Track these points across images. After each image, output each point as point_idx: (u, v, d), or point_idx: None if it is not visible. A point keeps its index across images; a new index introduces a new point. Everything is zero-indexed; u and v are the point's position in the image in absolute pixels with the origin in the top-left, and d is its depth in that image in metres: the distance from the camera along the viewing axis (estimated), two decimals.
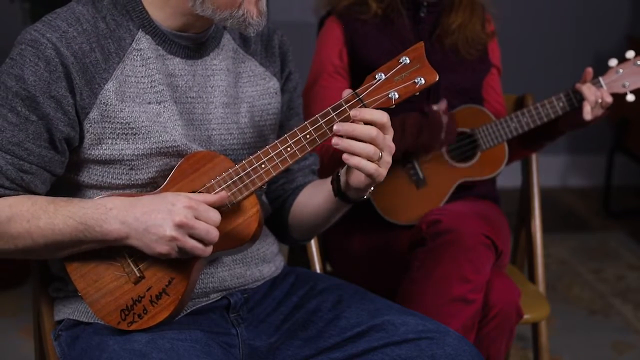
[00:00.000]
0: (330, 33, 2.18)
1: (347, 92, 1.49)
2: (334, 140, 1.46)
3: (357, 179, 1.51)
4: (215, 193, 1.49)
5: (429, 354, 1.52)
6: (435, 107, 2.06)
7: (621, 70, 2.07)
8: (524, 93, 2.34)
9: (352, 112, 1.46)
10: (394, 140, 2.03)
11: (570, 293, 3.31)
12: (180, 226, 1.41)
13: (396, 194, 2.13)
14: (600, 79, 2.07)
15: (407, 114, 2.07)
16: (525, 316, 2.04)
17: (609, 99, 2.04)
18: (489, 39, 2.22)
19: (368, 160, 1.45)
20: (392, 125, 2.02)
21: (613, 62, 2.09)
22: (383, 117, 1.46)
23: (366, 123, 1.45)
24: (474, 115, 2.16)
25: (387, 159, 1.49)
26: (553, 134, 2.19)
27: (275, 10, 4.01)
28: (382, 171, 1.48)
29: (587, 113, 2.03)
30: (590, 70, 2.06)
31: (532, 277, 2.30)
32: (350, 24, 2.16)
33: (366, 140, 1.45)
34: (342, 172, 1.57)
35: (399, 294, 1.97)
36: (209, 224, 1.43)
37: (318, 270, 2.09)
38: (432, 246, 1.96)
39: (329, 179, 1.61)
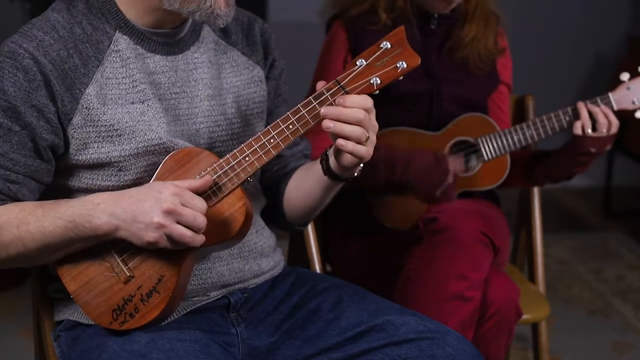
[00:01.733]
0: (336, 39, 2.17)
1: (322, 84, 1.49)
2: (325, 123, 1.46)
3: (347, 160, 1.52)
4: (200, 177, 1.49)
5: (429, 354, 1.52)
6: (451, 164, 2.05)
7: (632, 87, 2.03)
8: (524, 93, 2.34)
9: (337, 101, 1.46)
10: (397, 173, 2.03)
11: (570, 293, 3.32)
12: (167, 212, 1.42)
13: (395, 200, 2.12)
14: (610, 94, 2.03)
15: (420, 152, 2.06)
16: (525, 316, 2.03)
17: (602, 119, 2.00)
18: (499, 55, 2.19)
19: (358, 142, 1.47)
20: (399, 157, 2.02)
21: (625, 76, 2.05)
22: (367, 101, 1.47)
23: None
24: (478, 124, 2.13)
25: (373, 138, 1.50)
26: (556, 173, 2.16)
27: (275, 10, 4.02)
28: (370, 150, 1.50)
29: (577, 128, 2.02)
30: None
31: (532, 277, 2.30)
32: (357, 33, 2.14)
33: (354, 122, 1.46)
34: (330, 151, 1.57)
35: (396, 292, 1.97)
36: (195, 210, 1.43)
37: (318, 270, 2.09)
38: (429, 244, 1.96)
39: (318, 160, 1.62)
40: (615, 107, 2.04)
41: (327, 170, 1.58)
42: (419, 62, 1.47)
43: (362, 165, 1.56)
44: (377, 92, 1.48)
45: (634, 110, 2.05)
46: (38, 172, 1.51)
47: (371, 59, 1.47)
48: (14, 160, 1.48)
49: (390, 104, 2.08)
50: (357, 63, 1.48)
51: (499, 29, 2.19)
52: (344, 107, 1.46)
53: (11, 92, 1.47)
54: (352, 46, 2.14)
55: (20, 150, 1.49)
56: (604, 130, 2.02)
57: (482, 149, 2.11)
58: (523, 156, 2.20)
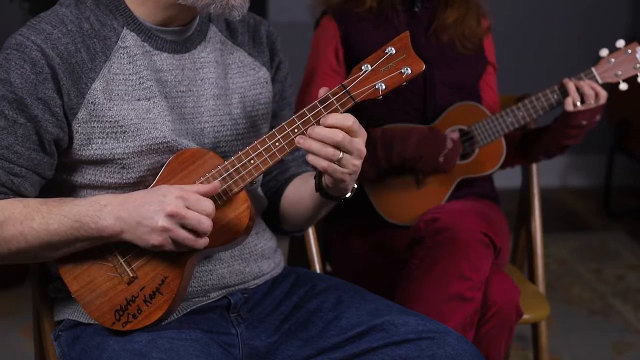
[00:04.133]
0: (326, 31, 2.18)
1: (324, 90, 1.49)
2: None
3: (327, 179, 1.52)
4: (209, 183, 1.49)
5: (429, 354, 1.52)
6: (449, 133, 2.05)
7: (613, 60, 2.09)
8: (523, 93, 2.34)
9: (321, 121, 1.46)
10: (396, 149, 2.04)
11: (570, 293, 3.31)
12: (171, 216, 1.42)
13: (396, 194, 2.13)
14: (593, 69, 2.08)
15: (416, 128, 2.07)
16: (525, 316, 2.03)
17: (589, 91, 2.04)
18: (484, 35, 2.22)
19: (326, 159, 1.45)
20: (395, 134, 2.03)
21: (604, 52, 2.10)
22: (347, 120, 1.45)
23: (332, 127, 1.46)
24: (470, 112, 2.16)
25: (354, 161, 1.48)
26: (550, 148, 2.18)
27: (275, 10, 4.02)
28: (339, 170, 1.47)
29: (569, 104, 2.05)
30: None
31: (532, 277, 2.30)
32: (345, 21, 2.16)
33: (330, 143, 1.45)
34: None
35: (397, 293, 1.97)
36: (202, 213, 1.43)
37: (318, 270, 2.09)
38: (430, 244, 1.96)
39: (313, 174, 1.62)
40: (600, 81, 2.09)
41: (318, 186, 1.58)
42: (423, 68, 1.48)
43: (355, 186, 1.55)
44: (381, 97, 1.48)
45: (618, 83, 2.10)
46: (41, 165, 1.51)
47: (376, 64, 1.48)
48: (18, 153, 1.48)
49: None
50: (363, 68, 1.48)
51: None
52: (325, 126, 1.45)
53: (18, 83, 1.47)
54: (342, 35, 2.15)
55: (25, 143, 1.49)
56: (592, 102, 2.05)
57: (477, 136, 2.13)
58: (516, 136, 2.24)
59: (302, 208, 1.69)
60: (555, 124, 2.13)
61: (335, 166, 1.46)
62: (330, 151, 1.45)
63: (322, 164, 1.46)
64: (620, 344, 2.95)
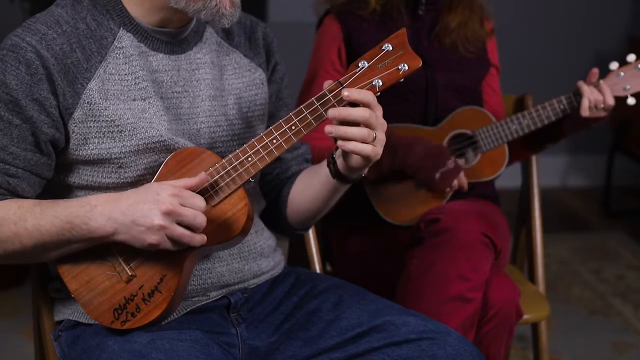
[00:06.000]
0: (329, 31, 2.18)
1: (328, 83, 1.49)
2: (327, 128, 1.47)
3: (355, 160, 1.52)
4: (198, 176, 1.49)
5: (429, 354, 1.52)
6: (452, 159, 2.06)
7: (622, 74, 2.08)
8: (524, 93, 2.34)
9: (345, 92, 1.46)
10: (399, 155, 2.04)
11: (570, 293, 3.32)
12: (167, 214, 1.42)
13: (396, 195, 2.13)
14: (602, 82, 2.07)
15: (422, 139, 2.07)
16: (525, 316, 2.03)
17: (611, 102, 2.04)
18: (487, 37, 2.22)
19: (363, 142, 1.46)
20: (400, 142, 2.03)
21: (614, 65, 2.10)
22: (369, 96, 1.47)
23: (356, 103, 1.47)
24: (474, 117, 2.15)
25: (381, 136, 1.50)
26: (555, 137, 2.19)
27: (275, 10, 4.02)
28: (378, 150, 1.49)
29: (585, 109, 2.04)
30: (595, 71, 2.07)
31: (532, 277, 2.30)
32: (348, 22, 2.16)
33: (361, 122, 1.46)
34: (337, 154, 1.57)
35: (397, 293, 1.97)
36: (195, 209, 1.44)
37: (318, 270, 2.09)
38: (430, 245, 1.96)
39: (325, 163, 1.62)
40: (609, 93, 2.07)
41: (335, 172, 1.58)
42: (420, 64, 1.48)
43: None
44: (379, 93, 1.48)
45: (626, 97, 2.09)
46: (38, 166, 1.51)
47: (373, 60, 1.48)
48: (13, 154, 1.49)
49: (387, 95, 2.09)
50: (359, 65, 1.48)
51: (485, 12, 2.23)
52: (351, 100, 1.45)
53: (13, 85, 1.47)
54: (345, 36, 2.15)
55: (20, 144, 1.49)
56: (602, 108, 2.05)
57: (480, 141, 2.13)
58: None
59: (315, 200, 1.69)
60: (563, 125, 2.13)
61: (368, 146, 1.47)
62: (366, 132, 1.46)
63: (367, 150, 1.46)
64: (620, 344, 2.95)
